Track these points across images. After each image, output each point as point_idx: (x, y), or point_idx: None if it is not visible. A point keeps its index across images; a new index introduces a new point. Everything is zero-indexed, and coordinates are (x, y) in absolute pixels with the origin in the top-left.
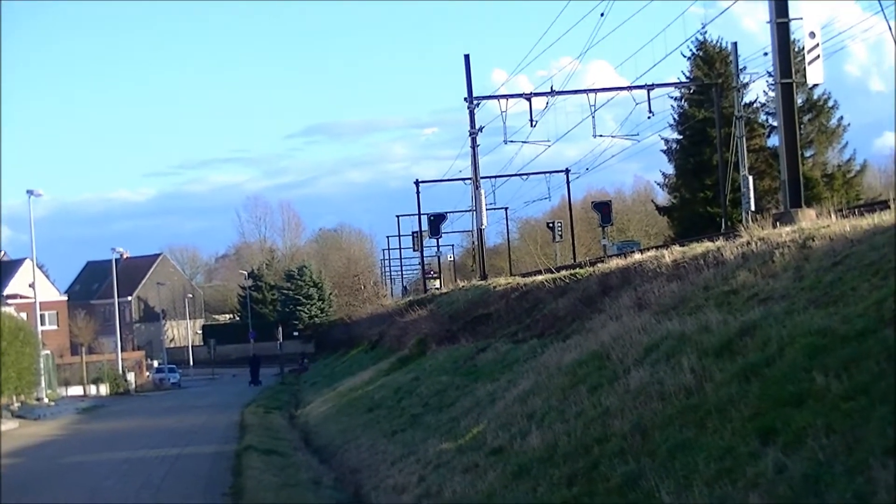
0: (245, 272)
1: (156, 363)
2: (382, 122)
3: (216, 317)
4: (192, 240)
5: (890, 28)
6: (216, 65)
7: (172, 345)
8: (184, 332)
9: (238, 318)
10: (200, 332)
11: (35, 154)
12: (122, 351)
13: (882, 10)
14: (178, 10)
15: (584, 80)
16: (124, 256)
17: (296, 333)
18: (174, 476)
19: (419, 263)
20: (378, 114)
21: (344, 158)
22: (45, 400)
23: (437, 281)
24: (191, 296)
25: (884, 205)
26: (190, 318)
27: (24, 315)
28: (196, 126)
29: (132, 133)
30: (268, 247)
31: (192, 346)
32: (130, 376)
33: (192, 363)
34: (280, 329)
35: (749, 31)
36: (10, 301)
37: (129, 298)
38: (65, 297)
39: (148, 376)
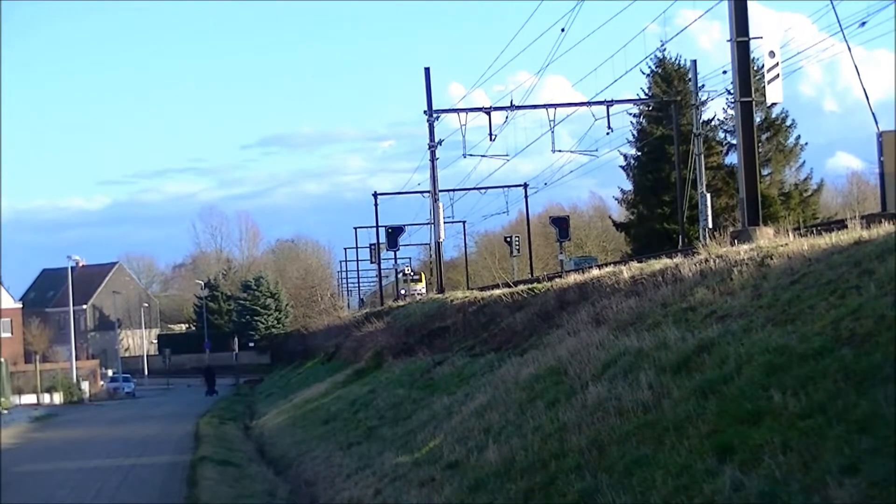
0: (201, 282)
1: (110, 372)
2: (339, 134)
3: (172, 326)
4: (148, 249)
5: (849, 48)
6: (172, 75)
7: (127, 354)
8: (139, 341)
9: (194, 328)
10: (156, 341)
11: None
12: (76, 360)
13: (841, 29)
14: (135, 18)
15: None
16: (80, 265)
17: (251, 344)
18: (128, 487)
19: (376, 276)
20: (334, 126)
21: (300, 170)
22: None
23: (420, 284)
24: (146, 305)
25: (841, 224)
26: (145, 328)
27: None
28: (151, 135)
29: (86, 141)
30: (224, 257)
31: (147, 356)
32: (85, 385)
33: (146, 373)
34: (236, 340)
35: (705, 50)
36: None
37: (85, 307)
38: (19, 305)
39: (102, 385)
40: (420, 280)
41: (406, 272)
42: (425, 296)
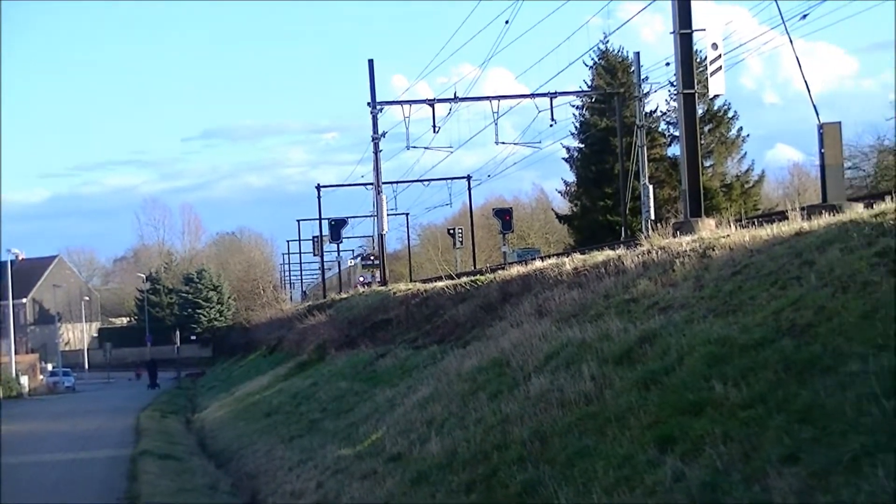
0: (143, 275)
1: (50, 367)
2: (281, 127)
3: (113, 320)
4: (89, 242)
5: (790, 41)
6: (111, 66)
7: (67, 348)
8: (79, 335)
9: (135, 322)
10: (96, 335)
11: None
12: (15, 354)
13: (783, 22)
14: (75, 9)
15: (485, 88)
16: (19, 258)
17: (193, 337)
18: (68, 481)
19: (320, 269)
20: (276, 118)
21: (242, 162)
22: None
23: (378, 271)
24: (87, 298)
25: (782, 215)
26: (86, 321)
27: None
28: (92, 128)
29: (25, 133)
30: (166, 250)
31: (88, 350)
32: (24, 380)
33: (87, 367)
34: (178, 333)
35: (648, 42)
36: None
37: (24, 300)
38: None
39: (42, 380)
40: (377, 265)
41: (366, 257)
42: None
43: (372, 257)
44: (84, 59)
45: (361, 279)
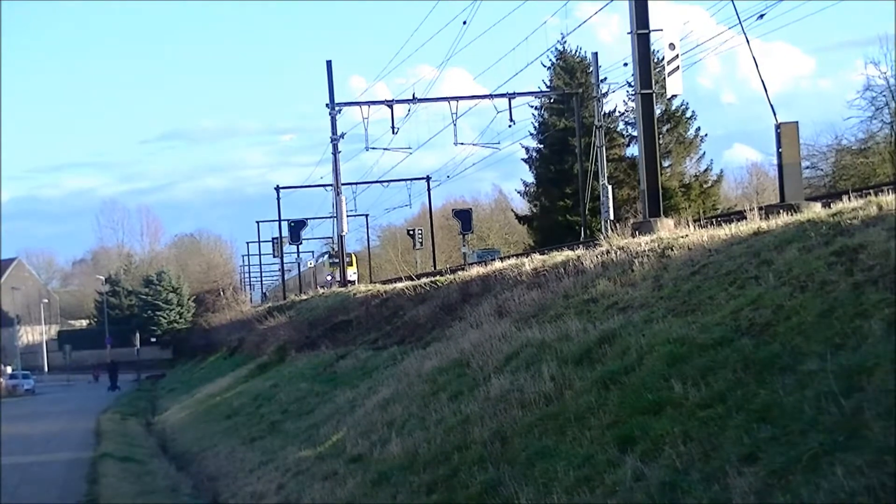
0: (102, 277)
1: (9, 369)
2: (239, 128)
3: (72, 322)
4: (48, 244)
5: (748, 41)
6: (69, 67)
7: (27, 350)
8: (39, 337)
9: (95, 324)
10: (56, 337)
11: None
12: None
13: (740, 22)
14: (31, 13)
15: (443, 89)
16: None
17: (154, 339)
18: (28, 484)
19: (279, 270)
20: (235, 120)
21: (201, 164)
22: None
23: (351, 268)
24: (46, 301)
25: (740, 215)
26: (45, 324)
27: None
28: (49, 130)
29: None
30: (125, 252)
31: (48, 352)
32: None
33: (47, 369)
34: (138, 335)
35: (605, 43)
36: None
37: None
38: None
39: (1, 382)
40: (351, 263)
41: (334, 253)
42: (356, 283)
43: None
44: (41, 62)
45: (329, 278)
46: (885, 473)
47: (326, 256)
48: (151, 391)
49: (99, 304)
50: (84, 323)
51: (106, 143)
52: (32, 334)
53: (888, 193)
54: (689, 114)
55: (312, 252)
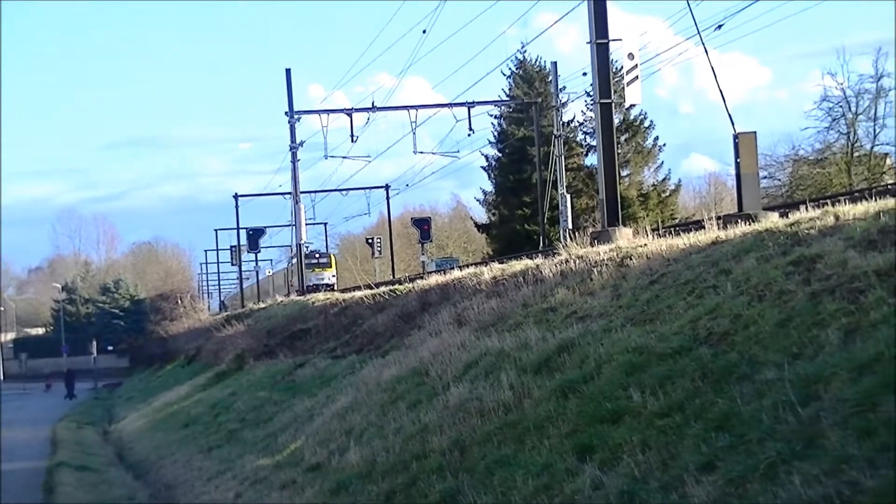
0: (59, 285)
1: None
2: (197, 136)
3: (28, 330)
4: (3, 252)
5: (706, 51)
6: (21, 75)
7: None
8: None
9: (51, 332)
10: (11, 345)
11: None
12: None
13: (699, 32)
14: None
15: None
16: None
17: (111, 347)
18: None
19: (238, 279)
20: (192, 127)
21: (157, 172)
22: None
23: (329, 270)
24: (2, 308)
25: (698, 224)
26: (2, 330)
27: None
28: (3, 137)
29: None
30: (83, 260)
31: (3, 360)
32: None
33: (2, 377)
34: (95, 343)
35: (564, 53)
36: None
37: None
38: None
39: None
40: (330, 265)
41: (310, 254)
42: (336, 287)
43: (317, 255)
44: None
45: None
46: (842, 482)
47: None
48: (108, 399)
49: (55, 312)
50: (40, 331)
51: (61, 151)
52: None
53: (845, 203)
54: (647, 123)
55: (271, 260)
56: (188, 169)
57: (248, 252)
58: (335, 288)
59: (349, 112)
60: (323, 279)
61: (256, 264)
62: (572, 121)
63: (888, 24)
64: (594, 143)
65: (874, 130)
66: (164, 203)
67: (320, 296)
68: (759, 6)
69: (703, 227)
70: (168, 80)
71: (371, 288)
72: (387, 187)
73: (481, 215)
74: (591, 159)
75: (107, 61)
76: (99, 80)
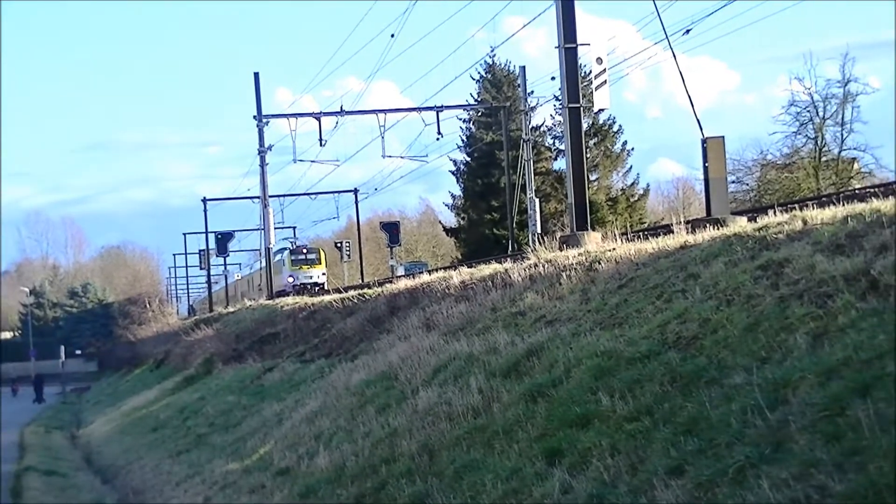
0: (26, 289)
1: None
2: (164, 140)
3: None
4: None
5: (674, 56)
6: None
7: None
8: None
9: (19, 336)
10: None
11: None
12: None
13: (667, 37)
14: None
15: (371, 102)
16: None
17: (79, 352)
18: None
19: (206, 283)
20: (158, 131)
21: (125, 175)
22: None
23: (318, 267)
24: None
25: (667, 229)
26: None
27: None
28: None
29: None
30: (50, 263)
31: None
32: None
33: None
34: (63, 347)
35: (532, 57)
36: None
37: None
38: None
39: None
40: (319, 261)
41: (296, 249)
42: (325, 286)
43: (304, 250)
44: None
45: (291, 279)
46: (810, 486)
47: (287, 253)
48: (76, 404)
49: (23, 316)
50: (8, 335)
51: (28, 155)
52: None
53: (812, 208)
54: (615, 128)
55: (240, 264)
56: (156, 173)
57: (217, 256)
58: (325, 287)
59: (318, 116)
60: (311, 277)
61: (225, 268)
62: (541, 125)
63: (855, 29)
64: (563, 147)
65: (842, 135)
66: (132, 207)
67: (289, 300)
68: (727, 10)
69: (672, 232)
70: (133, 84)
71: (340, 292)
72: (355, 191)
73: (450, 219)
74: (560, 163)
75: (73, 64)
76: (64, 82)
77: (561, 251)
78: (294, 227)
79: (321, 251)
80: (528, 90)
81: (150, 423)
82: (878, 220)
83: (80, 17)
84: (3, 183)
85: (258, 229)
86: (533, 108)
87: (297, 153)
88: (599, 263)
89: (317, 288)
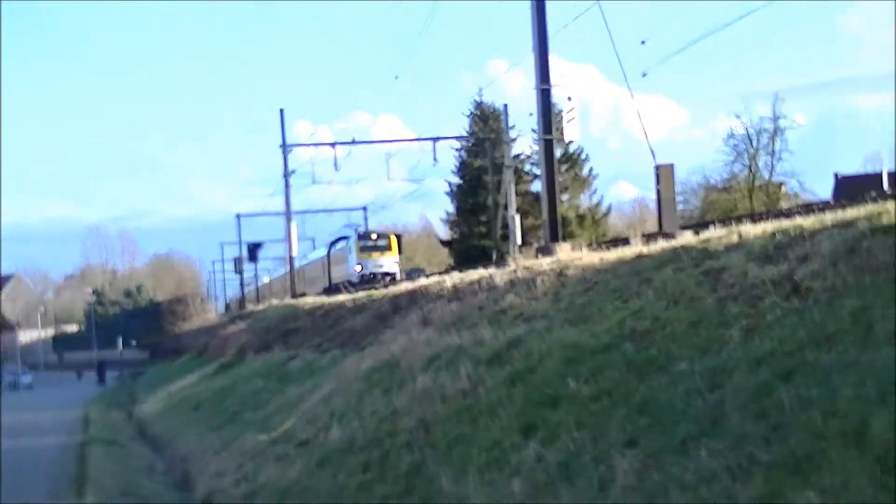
0: (90, 290)
1: (11, 367)
2: (203, 165)
3: (64, 327)
4: (43, 263)
5: (632, 95)
6: (57, 115)
7: (26, 351)
8: (36, 339)
9: (84, 329)
10: (51, 340)
11: None
12: None
13: (626, 79)
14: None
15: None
16: None
17: (133, 342)
18: (28, 463)
19: (239, 285)
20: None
21: (171, 195)
22: None
23: (390, 254)
24: (42, 309)
25: (626, 241)
26: (42, 328)
27: None
28: (33, 164)
29: None
30: (109, 269)
31: (44, 353)
32: None
33: (43, 367)
34: (120, 338)
35: (513, 95)
36: None
37: None
38: None
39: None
40: (390, 248)
41: (364, 234)
42: (398, 276)
43: (374, 236)
44: (38, 106)
45: (359, 267)
46: (742, 456)
47: (354, 239)
48: (131, 386)
49: (87, 312)
50: (75, 328)
51: (88, 178)
52: (31, 337)
53: (747, 224)
54: (583, 156)
55: (268, 269)
56: (197, 193)
57: (249, 262)
58: (396, 278)
59: (333, 145)
60: (382, 266)
61: (255, 273)
62: (521, 154)
63: (785, 74)
64: (539, 172)
65: (772, 163)
66: (177, 221)
67: (308, 299)
68: (679, 56)
69: (630, 244)
70: (177, 116)
71: (350, 293)
72: (364, 209)
73: (445, 233)
74: (537, 186)
75: (128, 101)
76: (118, 115)
77: (537, 259)
78: (313, 239)
79: (392, 237)
80: (510, 124)
81: (193, 403)
82: (801, 235)
83: (131, 62)
84: (73, 203)
85: (283, 240)
86: (514, 140)
87: (316, 176)
88: (569, 270)
89: (388, 278)
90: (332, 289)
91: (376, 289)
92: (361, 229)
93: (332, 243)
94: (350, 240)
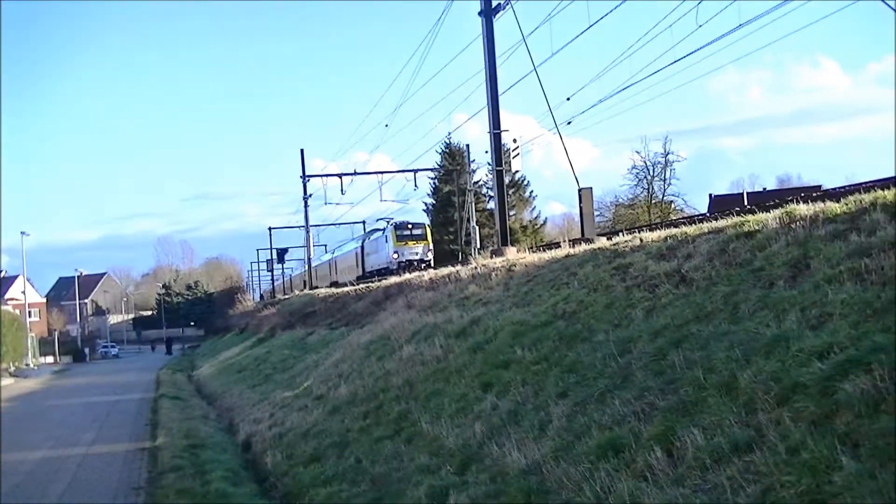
0: (160, 284)
1: (102, 342)
2: (243, 191)
3: (142, 312)
4: (127, 263)
5: (561, 138)
6: (129, 146)
7: (114, 329)
8: (121, 321)
9: (156, 314)
10: (132, 322)
11: (25, 203)
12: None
13: (556, 125)
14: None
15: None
16: (82, 274)
17: (193, 323)
18: (116, 412)
19: (270, 280)
20: (240, 185)
21: (219, 214)
22: (31, 365)
23: (424, 243)
24: (126, 299)
25: (557, 245)
26: (125, 313)
27: (17, 311)
28: (119, 193)
29: (80, 193)
30: (174, 269)
31: (126, 331)
32: (86, 350)
33: (126, 342)
34: (183, 321)
35: (472, 138)
36: (8, 302)
37: (86, 301)
38: (44, 300)
39: (97, 351)
40: (424, 237)
41: (401, 224)
42: (432, 263)
43: (409, 226)
44: (114, 138)
45: (396, 255)
46: (644, 403)
47: (391, 228)
48: (191, 356)
49: (158, 301)
50: (150, 313)
51: (158, 201)
52: (117, 319)
53: (646, 232)
54: (525, 182)
55: (292, 269)
56: (238, 212)
57: (277, 263)
58: (431, 265)
59: (340, 176)
60: (417, 254)
61: (283, 271)
62: (479, 180)
63: (672, 121)
64: (493, 194)
65: (664, 187)
66: (224, 233)
67: (322, 290)
68: (595, 109)
69: (560, 247)
70: (223, 152)
71: (354, 285)
72: (364, 223)
73: None
74: (491, 204)
75: (185, 141)
76: (179, 152)
77: (491, 259)
78: (325, 245)
79: (427, 227)
80: (471, 159)
81: (236, 368)
82: (686, 239)
83: (179, 101)
84: (142, 219)
85: (304, 247)
86: (474, 171)
87: (327, 198)
88: (515, 267)
89: (423, 265)
90: (365, 276)
91: (374, 282)
92: (395, 221)
93: (366, 235)
94: (386, 230)
